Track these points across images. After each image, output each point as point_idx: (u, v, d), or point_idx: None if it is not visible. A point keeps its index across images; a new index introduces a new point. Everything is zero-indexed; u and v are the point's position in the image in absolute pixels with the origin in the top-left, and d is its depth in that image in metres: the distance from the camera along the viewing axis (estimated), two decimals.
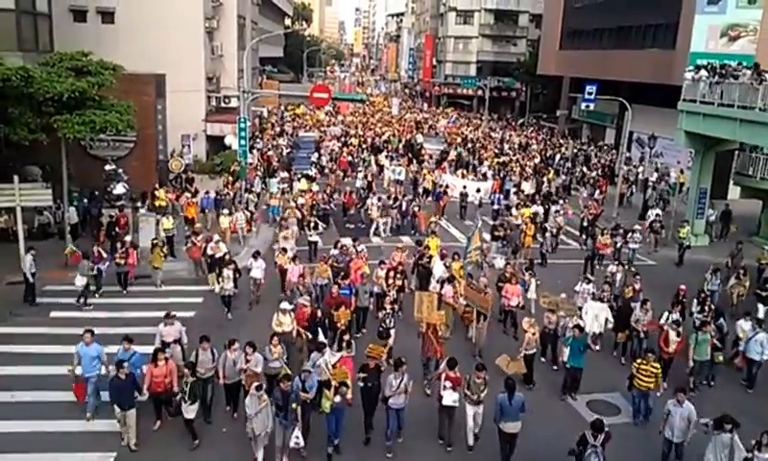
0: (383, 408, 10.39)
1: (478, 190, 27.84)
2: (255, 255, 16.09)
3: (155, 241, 17.93)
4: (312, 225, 19.86)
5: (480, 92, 63.29)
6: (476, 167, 35.23)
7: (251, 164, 27.19)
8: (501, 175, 31.95)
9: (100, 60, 19.18)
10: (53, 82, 17.33)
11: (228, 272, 15.26)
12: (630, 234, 21.21)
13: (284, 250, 16.81)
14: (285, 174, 29.53)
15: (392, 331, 13.07)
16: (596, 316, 14.00)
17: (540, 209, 24.05)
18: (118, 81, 19.22)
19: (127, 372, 10.16)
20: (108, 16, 28.15)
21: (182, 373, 10.49)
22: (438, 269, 16.12)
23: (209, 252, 16.97)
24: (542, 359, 13.50)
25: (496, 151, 39.83)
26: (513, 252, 20.56)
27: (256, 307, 15.86)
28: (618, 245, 20.96)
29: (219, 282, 15.36)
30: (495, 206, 26.47)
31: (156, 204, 22.55)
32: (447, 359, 10.73)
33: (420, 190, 29.32)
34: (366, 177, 30.03)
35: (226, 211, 20.81)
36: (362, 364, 10.95)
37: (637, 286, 15.46)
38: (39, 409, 11.28)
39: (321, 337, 12.10)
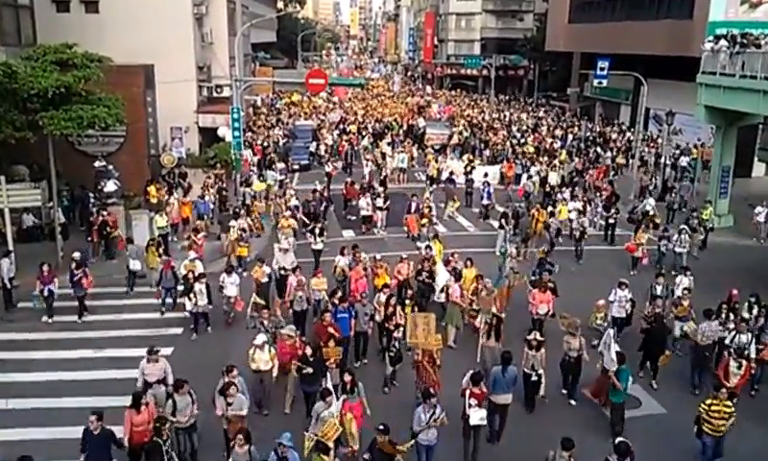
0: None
1: (485, 175, 28.01)
2: (229, 270, 15.39)
3: (150, 242, 18.16)
4: (317, 231, 19.17)
5: (485, 72, 63.13)
6: (482, 151, 35.30)
7: (245, 157, 27.29)
8: (514, 159, 31.95)
9: (85, 51, 19.21)
10: (37, 77, 17.43)
11: (200, 286, 14.68)
12: (676, 236, 19.20)
13: (260, 262, 16.00)
14: (282, 165, 29.68)
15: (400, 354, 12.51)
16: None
17: (579, 205, 22.16)
18: (105, 73, 19.26)
19: (101, 426, 8.92)
20: (91, 6, 28.18)
21: (164, 420, 9.31)
22: (442, 278, 15.29)
23: (183, 271, 15.83)
24: (563, 391, 12.45)
25: (505, 134, 39.87)
26: (523, 240, 20.65)
27: (236, 329, 14.95)
28: (663, 248, 19.18)
29: (191, 298, 14.69)
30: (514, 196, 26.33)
31: (149, 200, 22.75)
32: (471, 374, 10.22)
33: (427, 180, 29.52)
34: (375, 162, 30.26)
35: (234, 224, 19.33)
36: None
37: (686, 303, 13.78)
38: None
39: (327, 382, 10.35)
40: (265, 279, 15.79)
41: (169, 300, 16.27)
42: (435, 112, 46.78)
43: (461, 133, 38.86)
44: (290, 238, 18.10)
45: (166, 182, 25.33)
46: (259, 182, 25.11)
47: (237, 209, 20.92)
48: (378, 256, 16.23)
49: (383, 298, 13.74)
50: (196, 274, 15.24)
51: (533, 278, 15.90)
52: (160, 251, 18.11)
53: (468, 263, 15.80)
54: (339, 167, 31.08)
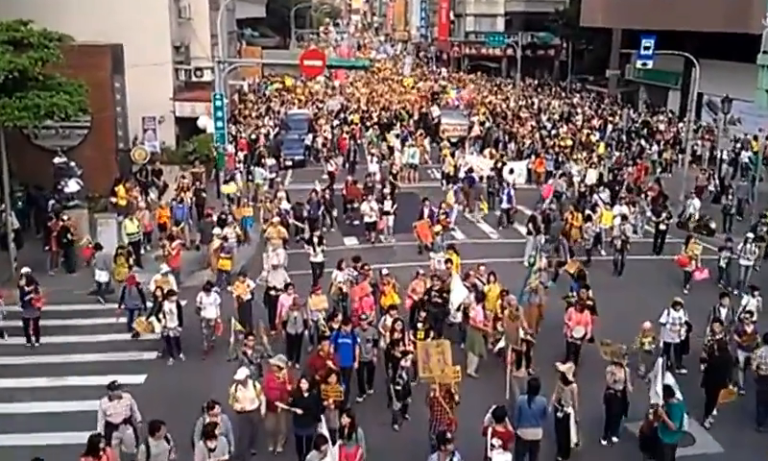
0: None
1: (511, 171, 27.89)
2: (207, 288, 15.24)
3: (120, 250, 18.22)
4: (317, 240, 19.15)
5: (510, 52, 63.09)
6: (507, 144, 35.32)
7: (229, 152, 27.34)
8: (544, 153, 31.94)
9: (43, 30, 19.26)
10: None
11: (169, 305, 14.67)
12: (741, 246, 18.69)
13: (242, 276, 16.07)
14: (273, 161, 29.74)
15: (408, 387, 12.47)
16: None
17: (626, 210, 21.76)
18: (66, 54, 19.34)
19: None
20: None
21: None
22: (458, 294, 15.07)
23: (152, 287, 15.82)
24: (603, 443, 12.26)
25: (533, 125, 39.86)
26: (556, 249, 20.57)
27: (218, 355, 14.82)
28: (724, 261, 18.74)
29: (160, 320, 14.68)
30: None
31: (116, 202, 22.79)
32: (494, 409, 10.15)
33: (444, 179, 29.62)
34: (380, 158, 30.45)
35: (217, 231, 19.46)
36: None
37: (750, 329, 13.59)
38: None
39: (323, 428, 10.05)
40: (248, 297, 15.75)
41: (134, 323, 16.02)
42: (452, 99, 46.84)
43: (482, 123, 38.91)
44: (280, 250, 18.09)
45: (137, 182, 25.44)
46: (229, 185, 24.94)
47: (224, 215, 20.87)
48: (385, 271, 16.07)
49: (389, 321, 13.59)
50: (165, 290, 15.18)
51: (571, 295, 15.74)
52: (131, 261, 18.15)
53: (492, 278, 15.70)
54: (339, 164, 31.08)
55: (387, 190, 24.17)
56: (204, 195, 24.41)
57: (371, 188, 25.66)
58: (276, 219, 20.42)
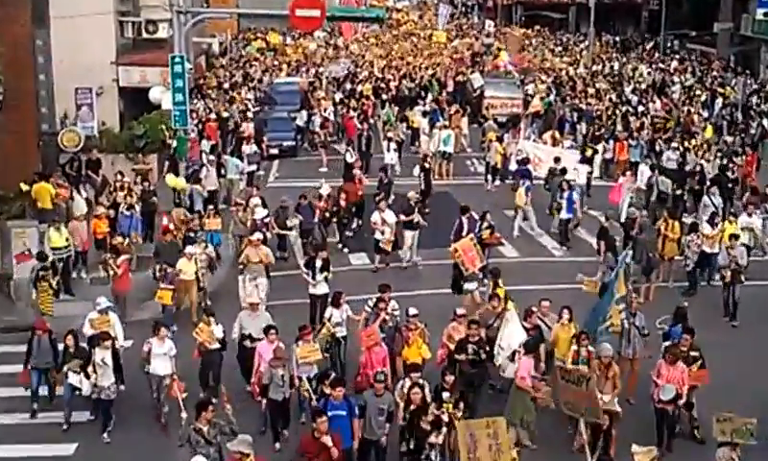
0: None
1: (583, 159, 27.96)
2: (156, 328, 15.08)
3: (42, 272, 18.14)
4: (319, 263, 18.70)
5: None
6: (576, 125, 35.21)
7: (193, 136, 27.32)
8: (626, 138, 31.70)
9: None
10: None
11: (101, 353, 14.49)
12: None
13: (209, 316, 15.80)
14: (253, 148, 29.71)
15: None
16: None
17: (758, 221, 21.99)
18: None
19: None
20: None
21: None
22: (515, 339, 15.01)
23: (86, 329, 15.77)
24: None
25: (613, 99, 39.70)
26: (644, 271, 20.44)
27: (174, 429, 14.26)
28: None
29: (89, 375, 14.53)
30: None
31: (38, 204, 22.81)
32: None
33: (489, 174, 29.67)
34: (398, 146, 30.48)
35: (191, 250, 19.33)
36: None
37: None
38: None
39: None
40: (215, 346, 15.44)
41: (44, 389, 15.68)
42: (501, 64, 46.69)
43: (542, 96, 38.84)
44: (261, 280, 17.85)
45: (67, 176, 25.49)
46: (177, 179, 25.01)
47: (192, 228, 20.89)
48: (413, 310, 15.76)
49: (408, 385, 13.41)
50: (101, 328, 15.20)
51: (672, 342, 15.44)
52: (54, 282, 18.14)
53: (567, 316, 15.57)
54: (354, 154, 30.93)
55: (412, 195, 23.68)
56: (154, 200, 24.29)
57: (386, 187, 25.53)
58: (257, 236, 19.94)
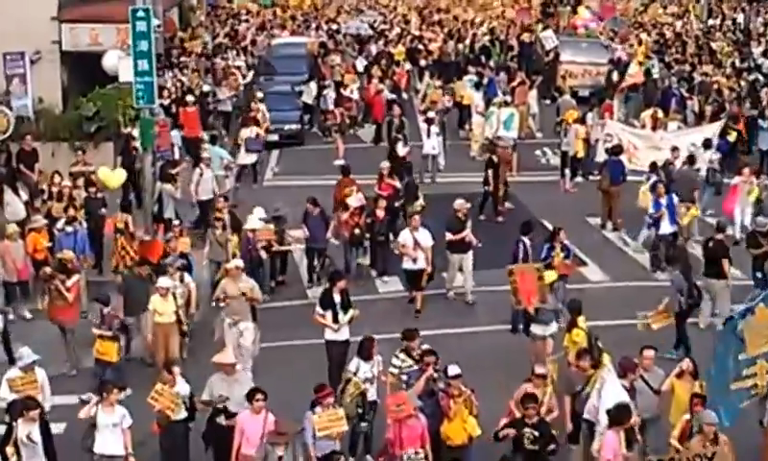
0: None
1: (693, 146, 27.69)
2: (103, 389, 14.80)
3: None
4: (338, 296, 18.23)
5: None
6: (685, 102, 35.15)
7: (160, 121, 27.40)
8: (750, 118, 31.59)
9: None
10: None
11: (26, 428, 14.04)
12: None
13: (169, 370, 15.62)
14: (253, 131, 30.05)
15: None
16: None
17: None
18: None
19: None
20: None
21: None
22: (611, 394, 14.91)
23: (4, 393, 15.42)
24: None
25: (738, 63, 39.44)
26: None
27: None
28: None
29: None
30: None
31: None
32: None
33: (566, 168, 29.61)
34: (442, 129, 30.44)
35: (165, 283, 18.97)
36: None
37: None
38: None
39: None
40: (181, 415, 15.07)
41: None
42: (580, 22, 46.43)
43: (640, 61, 38.70)
44: (246, 326, 17.95)
45: None
46: (107, 171, 25.10)
47: (165, 256, 20.69)
48: (454, 369, 15.52)
49: None
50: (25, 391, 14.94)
51: None
52: None
53: (686, 365, 15.52)
54: (369, 137, 31.10)
55: (461, 204, 22.61)
56: (103, 211, 24.16)
57: (409, 190, 25.12)
58: (236, 263, 19.67)
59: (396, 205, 24.85)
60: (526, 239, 21.17)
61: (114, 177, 25.09)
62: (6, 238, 21.25)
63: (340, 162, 29.86)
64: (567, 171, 30.05)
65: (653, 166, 26.20)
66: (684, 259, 20.78)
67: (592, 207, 26.55)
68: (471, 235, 22.29)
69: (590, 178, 29.15)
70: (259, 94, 34.07)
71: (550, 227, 21.85)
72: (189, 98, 32.93)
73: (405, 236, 21.82)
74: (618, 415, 14.15)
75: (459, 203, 22.60)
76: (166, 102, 30.67)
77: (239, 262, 19.62)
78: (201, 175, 25.88)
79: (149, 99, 25.55)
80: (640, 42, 43.08)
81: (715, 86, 35.86)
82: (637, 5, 54.86)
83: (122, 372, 17.86)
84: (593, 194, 27.02)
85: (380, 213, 23.35)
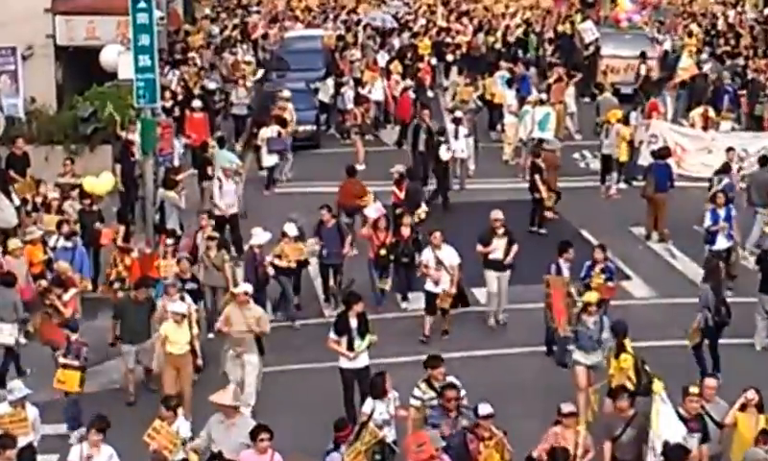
0: None
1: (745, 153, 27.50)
2: (95, 426, 14.64)
3: None
4: (355, 324, 17.90)
5: None
6: (738, 99, 34.81)
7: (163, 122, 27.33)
8: None
9: None
10: None
11: None
12: None
13: (169, 407, 15.46)
14: (275, 129, 29.94)
15: None
16: None
17: None
18: None
19: None
20: None
21: None
22: (673, 430, 14.76)
23: None
24: None
25: None
26: None
27: None
28: None
29: None
30: None
31: None
32: None
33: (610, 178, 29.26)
34: (473, 129, 30.17)
35: (179, 308, 18.50)
36: None
37: None
38: None
39: None
40: (179, 457, 15.02)
41: None
42: (622, 15, 46.14)
43: (691, 54, 38.44)
44: (248, 358, 17.63)
45: None
46: (92, 180, 24.87)
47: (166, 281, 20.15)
48: (486, 408, 15.15)
49: None
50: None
51: None
52: None
53: (750, 396, 15.25)
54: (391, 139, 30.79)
55: (496, 215, 22.11)
56: (98, 226, 23.89)
57: (414, 196, 25.12)
58: (244, 288, 19.19)
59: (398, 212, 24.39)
60: (562, 261, 20.63)
61: (101, 183, 24.76)
62: (7, 254, 21.05)
63: (361, 167, 29.73)
64: (613, 175, 29.63)
65: (725, 167, 25.94)
66: (715, 274, 20.40)
67: (637, 216, 26.36)
68: (511, 255, 21.75)
69: (634, 183, 28.72)
70: (286, 93, 33.59)
71: (591, 238, 21.74)
72: (196, 103, 32.23)
73: (427, 255, 21.50)
74: (673, 456, 14.15)
75: (495, 213, 22.15)
76: (169, 104, 30.28)
77: (248, 287, 19.07)
78: (220, 187, 25.33)
79: (151, 98, 25.36)
80: (690, 34, 42.72)
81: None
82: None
83: (78, 405, 17.82)
84: (638, 201, 26.72)
85: (405, 231, 23.06)
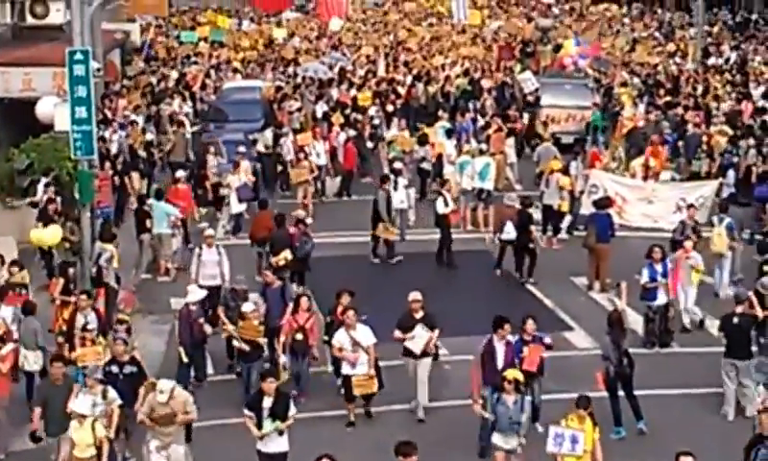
0: None
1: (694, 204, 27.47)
2: None
3: None
4: (268, 404, 16.53)
5: None
6: (677, 146, 35.48)
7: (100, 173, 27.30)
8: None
9: None
10: None
11: None
12: None
13: None
14: (239, 179, 30.07)
15: None
16: None
17: None
18: None
19: None
20: None
21: None
22: None
23: None
24: None
25: (733, 104, 39.73)
26: None
27: None
28: None
29: None
30: None
31: None
32: None
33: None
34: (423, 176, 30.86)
35: (80, 407, 16.26)
36: None
37: None
38: None
39: None
40: None
41: None
42: (568, 60, 46.55)
43: (633, 103, 39.13)
44: (174, 449, 16.32)
45: None
46: (40, 230, 24.87)
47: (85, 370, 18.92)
48: None
49: None
50: None
51: None
52: None
53: None
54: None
55: (414, 297, 20.46)
56: (25, 292, 22.72)
57: (279, 242, 25.10)
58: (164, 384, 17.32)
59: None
60: (496, 338, 18.89)
61: (47, 234, 24.71)
62: None
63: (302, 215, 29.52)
64: (550, 226, 29.85)
65: (723, 207, 26.47)
66: (616, 326, 20.35)
67: (578, 267, 26.61)
68: (433, 342, 20.39)
69: (575, 233, 29.05)
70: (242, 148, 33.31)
71: (534, 290, 21.81)
72: (180, 173, 31.38)
73: (340, 337, 19.80)
74: None
75: (414, 295, 20.65)
76: (110, 173, 29.91)
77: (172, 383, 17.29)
78: (200, 256, 24.44)
79: (88, 150, 25.38)
80: (624, 84, 43.25)
81: (706, 140, 35.56)
82: (623, 43, 55.12)
83: None
84: (579, 252, 27.02)
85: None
